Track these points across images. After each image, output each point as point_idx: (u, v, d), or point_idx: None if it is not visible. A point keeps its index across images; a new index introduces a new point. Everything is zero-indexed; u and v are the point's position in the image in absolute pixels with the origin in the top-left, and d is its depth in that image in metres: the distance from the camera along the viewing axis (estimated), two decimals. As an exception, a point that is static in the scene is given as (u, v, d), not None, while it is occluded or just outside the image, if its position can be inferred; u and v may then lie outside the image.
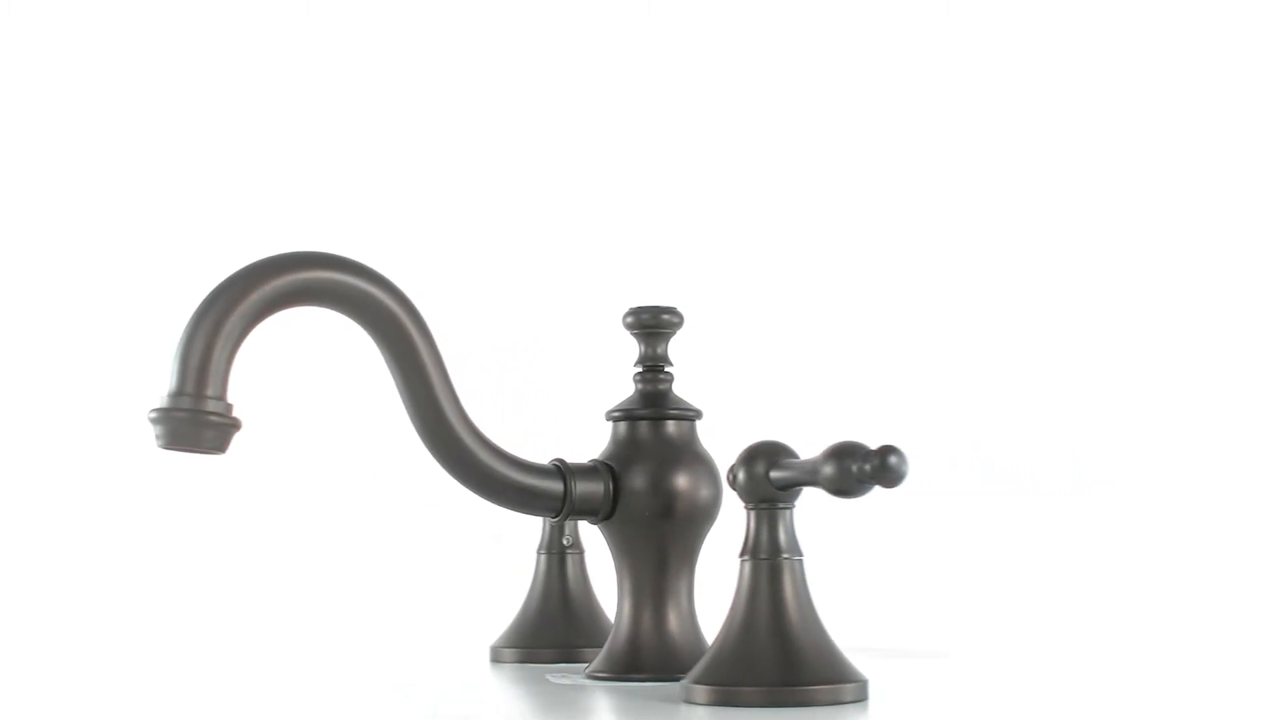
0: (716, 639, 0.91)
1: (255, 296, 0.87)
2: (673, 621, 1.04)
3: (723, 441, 1.11)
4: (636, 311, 1.07)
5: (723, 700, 0.89)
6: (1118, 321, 1.86)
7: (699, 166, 1.90)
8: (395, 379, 0.96)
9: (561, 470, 1.03)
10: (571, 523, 1.18)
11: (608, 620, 1.19)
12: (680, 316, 1.08)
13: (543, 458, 1.05)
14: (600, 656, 1.06)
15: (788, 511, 0.91)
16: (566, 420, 1.76)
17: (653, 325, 1.07)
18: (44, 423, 1.87)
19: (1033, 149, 1.89)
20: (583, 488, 1.03)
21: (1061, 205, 1.89)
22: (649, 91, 1.92)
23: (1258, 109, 1.87)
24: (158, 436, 0.86)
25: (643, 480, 1.03)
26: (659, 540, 1.04)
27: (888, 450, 0.84)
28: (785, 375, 1.85)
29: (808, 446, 0.88)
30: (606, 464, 1.04)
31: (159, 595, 1.76)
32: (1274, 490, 1.77)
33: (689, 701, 0.90)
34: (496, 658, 1.19)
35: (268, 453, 1.70)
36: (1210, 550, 1.75)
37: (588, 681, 1.04)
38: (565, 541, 1.19)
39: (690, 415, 1.06)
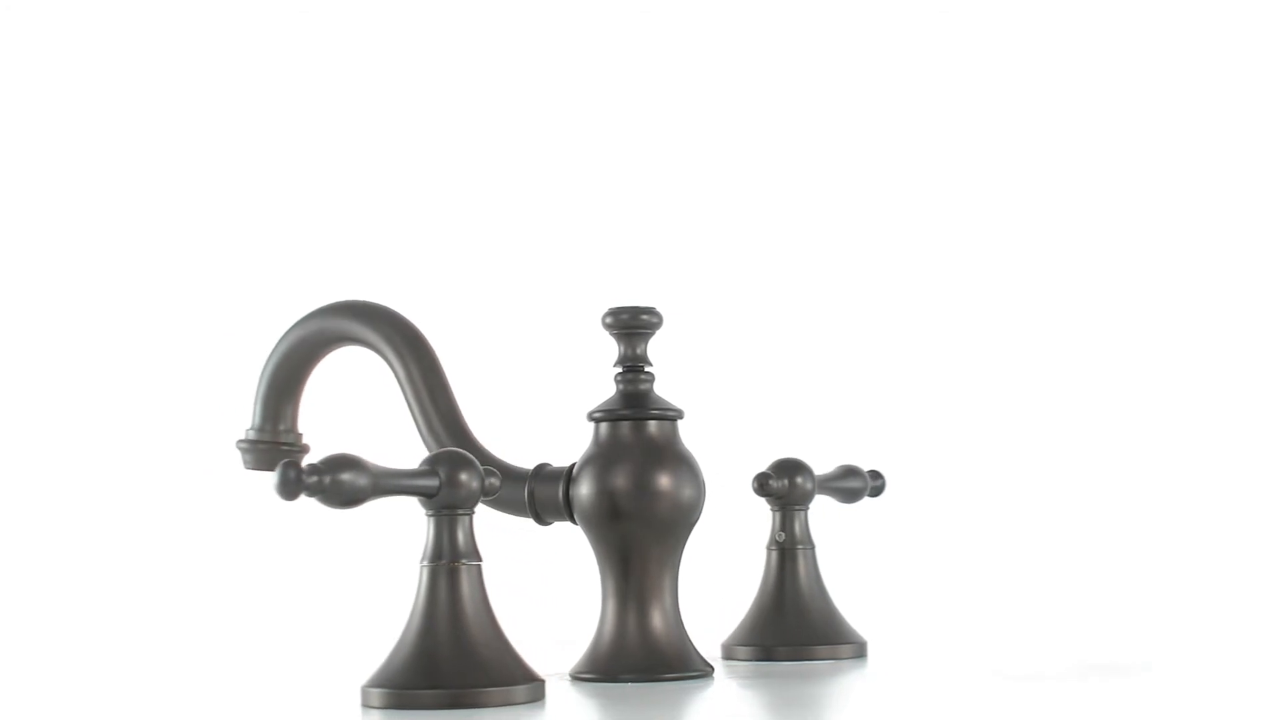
0: (395, 643, 0.92)
1: (302, 347, 1.10)
2: (657, 621, 1.04)
3: (706, 441, 1.11)
4: (616, 312, 1.07)
5: (398, 704, 0.89)
6: (1117, 322, 1.85)
7: (678, 166, 1.90)
8: (404, 394, 1.10)
9: (528, 474, 1.07)
10: (784, 514, 1.18)
11: (842, 616, 1.19)
12: (659, 316, 1.08)
13: (556, 460, 1.07)
14: (583, 657, 1.06)
15: (467, 517, 0.92)
16: (570, 422, 1.76)
17: (632, 325, 1.07)
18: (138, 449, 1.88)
19: (1030, 146, 1.89)
20: (542, 491, 1.06)
21: (1058, 203, 1.89)
22: (628, 92, 1.92)
23: (1256, 109, 1.87)
24: (244, 462, 1.11)
25: (625, 480, 1.03)
26: (641, 540, 1.04)
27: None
28: (768, 375, 1.85)
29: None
30: (568, 467, 1.06)
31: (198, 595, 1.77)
32: (1274, 490, 1.77)
33: (366, 705, 0.90)
34: (729, 655, 1.17)
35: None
36: (1210, 550, 1.75)
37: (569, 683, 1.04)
38: (778, 537, 1.19)
39: (671, 415, 1.06)
